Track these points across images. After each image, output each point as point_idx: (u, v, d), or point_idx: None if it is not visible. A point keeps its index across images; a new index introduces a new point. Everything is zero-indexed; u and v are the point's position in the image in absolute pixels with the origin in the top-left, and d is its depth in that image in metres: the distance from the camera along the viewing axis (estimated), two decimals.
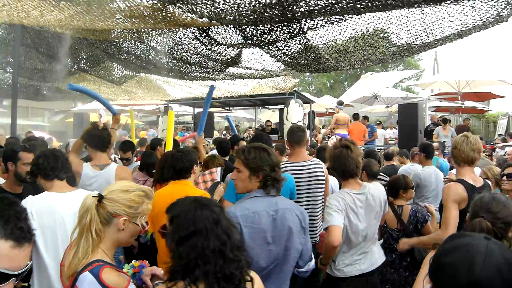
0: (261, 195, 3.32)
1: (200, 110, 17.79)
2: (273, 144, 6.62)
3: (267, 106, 20.61)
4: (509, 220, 2.87)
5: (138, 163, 6.99)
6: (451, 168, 8.30)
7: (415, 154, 8.10)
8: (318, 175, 5.11)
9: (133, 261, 2.83)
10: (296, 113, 13.25)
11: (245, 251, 2.35)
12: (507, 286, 1.57)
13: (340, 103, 15.93)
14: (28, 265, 1.74)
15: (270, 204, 3.24)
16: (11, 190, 4.36)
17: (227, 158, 7.23)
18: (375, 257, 4.27)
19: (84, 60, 11.36)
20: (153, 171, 6.00)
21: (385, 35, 6.96)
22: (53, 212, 3.56)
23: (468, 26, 6.13)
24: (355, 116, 16.06)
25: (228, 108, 20.51)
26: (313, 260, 3.53)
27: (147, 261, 2.88)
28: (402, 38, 6.93)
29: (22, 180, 4.33)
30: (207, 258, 2.17)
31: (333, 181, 6.20)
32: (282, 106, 15.06)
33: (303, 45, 7.20)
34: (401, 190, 5.45)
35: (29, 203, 3.54)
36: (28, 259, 1.74)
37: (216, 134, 18.39)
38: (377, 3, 5.37)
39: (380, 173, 6.83)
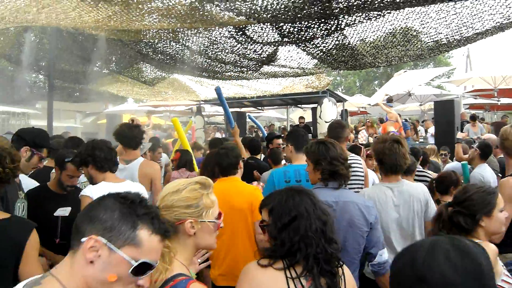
0: (320, 186, 3.45)
1: (232, 110, 17.87)
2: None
3: (299, 105, 20.55)
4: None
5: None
6: None
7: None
8: (357, 170, 5.06)
9: None
10: (329, 112, 13.17)
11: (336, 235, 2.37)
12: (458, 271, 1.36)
13: (390, 101, 16.02)
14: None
15: (330, 195, 3.30)
16: (55, 190, 4.40)
17: (258, 156, 7.24)
18: None
19: (118, 62, 11.48)
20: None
21: (424, 29, 6.86)
22: None
23: (510, 19, 6.00)
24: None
25: (260, 108, 20.52)
26: (385, 252, 3.48)
27: None
28: (441, 33, 6.83)
29: (63, 188, 4.29)
30: (310, 239, 2.21)
31: (372, 175, 6.16)
32: (314, 105, 15.00)
33: (340, 41, 7.15)
34: (452, 187, 5.35)
35: (93, 191, 3.62)
36: None
37: (247, 133, 18.42)
38: None
39: (423, 171, 6.67)
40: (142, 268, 1.65)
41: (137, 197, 1.76)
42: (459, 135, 7.77)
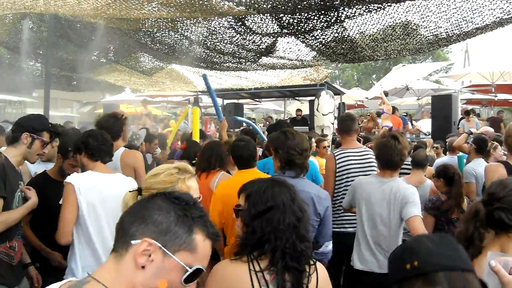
0: (278, 174, 3.63)
1: (229, 101, 17.89)
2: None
3: (296, 98, 20.53)
4: None
5: None
6: None
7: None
8: (372, 161, 5.18)
9: None
10: (327, 105, 13.18)
11: (310, 235, 2.40)
12: None
13: (386, 94, 16.14)
14: None
15: None
16: (55, 178, 4.42)
17: None
18: None
19: (116, 51, 11.43)
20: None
21: (424, 23, 6.84)
22: (97, 190, 3.64)
23: (510, 14, 5.98)
24: (392, 110, 16.22)
25: (257, 99, 20.47)
26: (330, 244, 3.70)
27: None
28: (441, 27, 6.81)
29: (64, 176, 4.30)
30: (281, 233, 2.22)
31: None
32: (312, 98, 14.99)
33: (340, 34, 7.12)
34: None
35: (76, 179, 3.58)
36: None
37: (244, 125, 18.40)
38: None
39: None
40: (193, 275, 1.55)
41: (191, 199, 1.64)
42: (472, 130, 7.87)
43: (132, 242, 1.49)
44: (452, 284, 1.45)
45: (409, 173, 6.21)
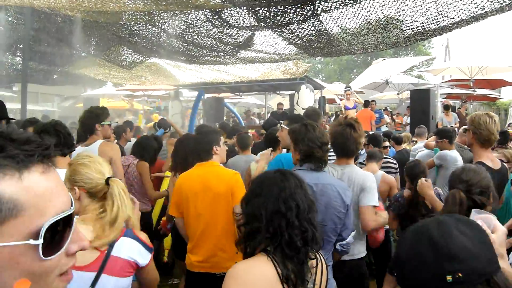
0: (304, 168, 3.53)
1: (210, 95, 17.80)
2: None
3: (277, 92, 20.45)
4: (483, 184, 2.93)
5: None
6: None
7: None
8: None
9: None
10: (307, 99, 13.15)
11: (317, 229, 2.24)
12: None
13: (350, 88, 16.27)
14: None
15: (311, 178, 3.36)
16: None
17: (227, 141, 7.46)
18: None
19: (95, 44, 11.33)
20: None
21: (400, 17, 6.86)
22: None
23: (484, 9, 6.02)
24: (365, 103, 16.28)
25: (238, 93, 20.41)
26: (353, 233, 3.64)
27: None
28: (417, 21, 6.83)
29: None
30: (269, 215, 2.14)
31: None
32: (292, 92, 14.97)
33: (316, 27, 7.11)
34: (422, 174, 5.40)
35: None
36: None
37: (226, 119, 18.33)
38: None
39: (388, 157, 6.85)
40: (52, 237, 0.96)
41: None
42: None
43: None
44: None
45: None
